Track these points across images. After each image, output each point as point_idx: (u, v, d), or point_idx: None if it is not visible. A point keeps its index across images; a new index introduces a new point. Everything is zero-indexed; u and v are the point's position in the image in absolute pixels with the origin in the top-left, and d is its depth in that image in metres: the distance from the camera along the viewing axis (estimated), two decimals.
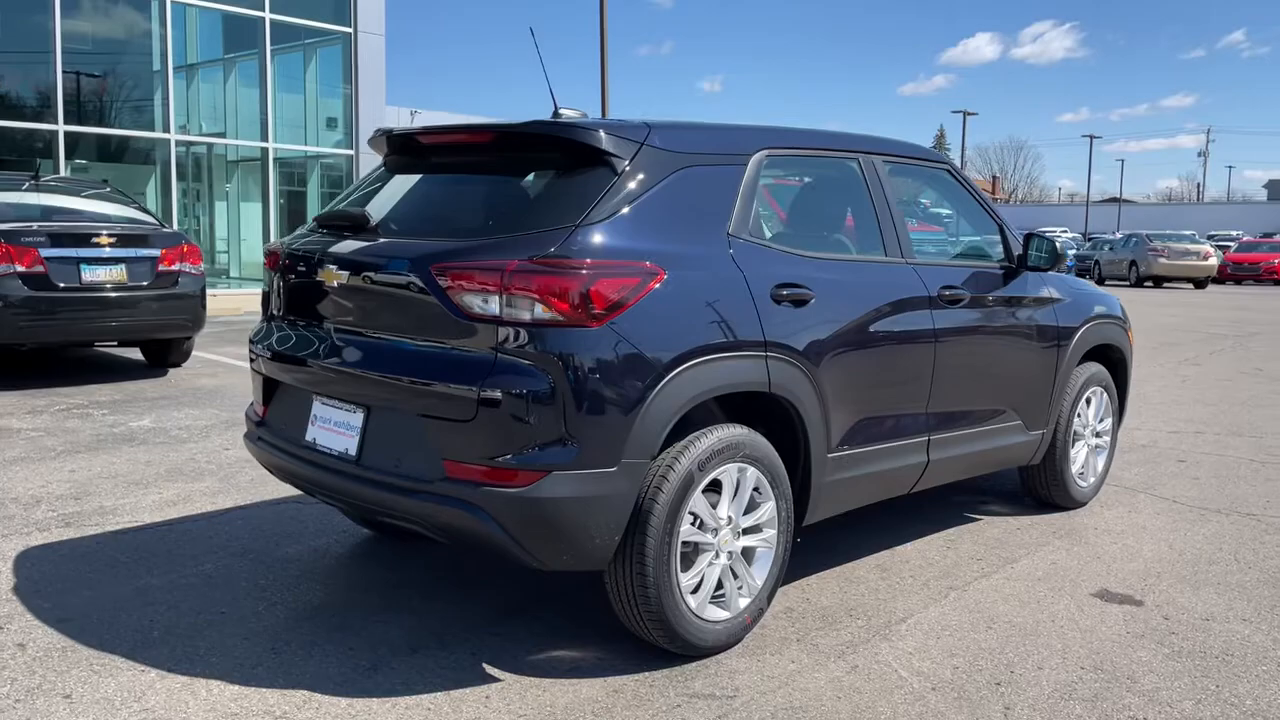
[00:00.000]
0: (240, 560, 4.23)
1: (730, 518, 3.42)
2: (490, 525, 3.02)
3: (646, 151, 3.37)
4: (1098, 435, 5.45)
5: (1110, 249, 31.93)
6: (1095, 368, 5.30)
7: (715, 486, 3.36)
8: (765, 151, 3.74)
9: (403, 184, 3.81)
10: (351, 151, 19.18)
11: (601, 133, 3.31)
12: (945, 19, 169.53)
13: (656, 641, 3.33)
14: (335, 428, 3.45)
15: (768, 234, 3.70)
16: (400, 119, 34.71)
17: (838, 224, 4.22)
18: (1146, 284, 29.67)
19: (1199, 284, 29.22)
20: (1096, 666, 3.43)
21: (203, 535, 4.56)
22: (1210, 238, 41.31)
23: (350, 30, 18.82)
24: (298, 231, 3.90)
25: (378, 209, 3.64)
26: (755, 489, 3.48)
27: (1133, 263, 29.72)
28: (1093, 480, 5.46)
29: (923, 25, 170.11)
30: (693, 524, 3.30)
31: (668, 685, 3.22)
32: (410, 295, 3.22)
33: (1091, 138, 74.96)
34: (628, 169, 3.30)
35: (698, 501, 3.29)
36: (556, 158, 3.38)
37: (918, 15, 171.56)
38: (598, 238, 3.15)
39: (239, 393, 8.18)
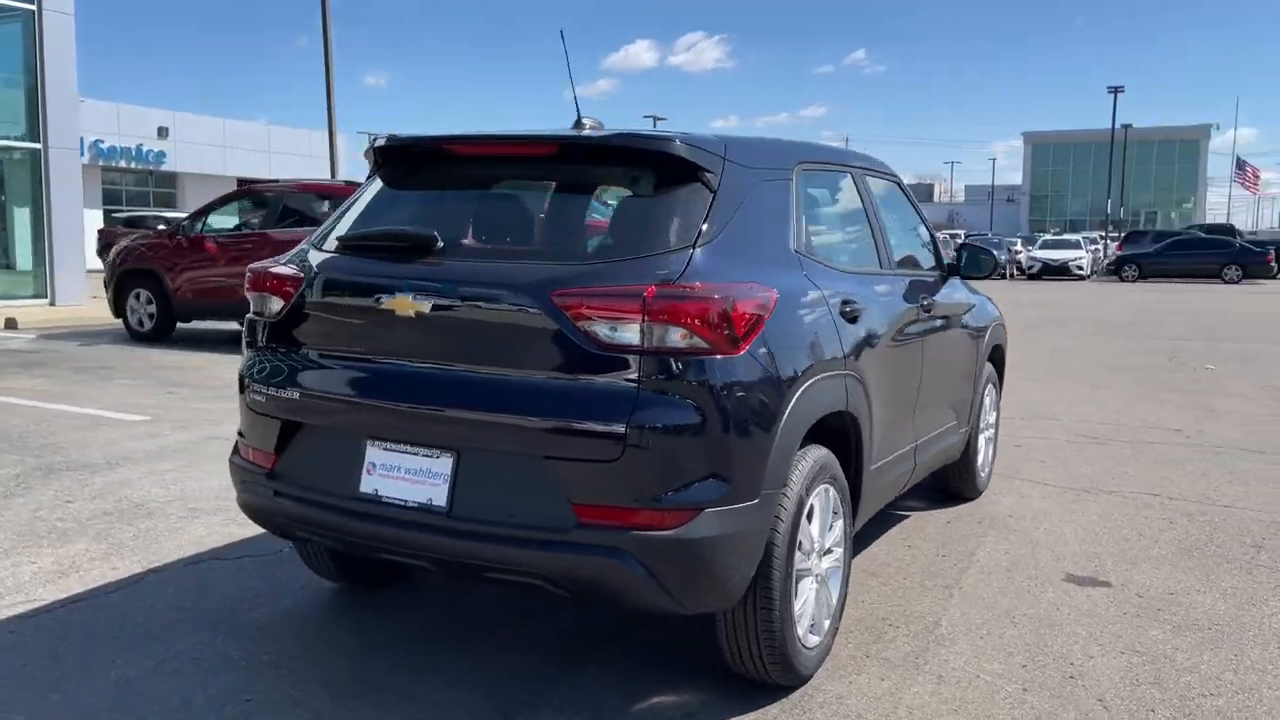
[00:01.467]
0: (215, 635, 3.62)
1: (818, 540, 3.36)
2: (638, 572, 2.77)
3: (729, 167, 3.23)
4: (989, 428, 5.87)
5: None
6: (990, 366, 5.70)
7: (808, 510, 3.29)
8: (800, 165, 3.70)
9: (433, 200, 3.46)
10: (38, 144, 16.89)
11: (693, 147, 3.13)
12: (607, 26, 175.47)
13: (767, 677, 3.20)
14: (410, 476, 3.03)
15: (814, 249, 3.65)
16: None
17: (853, 237, 4.25)
18: None
19: None
20: (1132, 649, 3.69)
21: (139, 609, 3.85)
22: None
23: (33, 7, 16.55)
24: (307, 251, 3.39)
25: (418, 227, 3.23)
26: (833, 510, 3.44)
27: None
28: (988, 470, 5.88)
29: (586, 31, 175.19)
30: (800, 550, 3.22)
31: None
32: (524, 325, 2.90)
33: None
34: (720, 186, 3.15)
35: (804, 527, 3.21)
36: (643, 173, 3.16)
37: (581, 21, 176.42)
38: (716, 259, 2.98)
39: (12, 433, 6.98)
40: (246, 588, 4.10)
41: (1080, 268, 36.32)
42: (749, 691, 3.26)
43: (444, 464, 2.98)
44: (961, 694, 3.31)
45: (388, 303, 3.06)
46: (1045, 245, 39.43)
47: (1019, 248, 42.08)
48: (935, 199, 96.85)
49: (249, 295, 3.45)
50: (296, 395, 3.22)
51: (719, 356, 2.84)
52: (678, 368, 2.79)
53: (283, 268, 3.37)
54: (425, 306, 3.00)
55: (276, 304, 3.34)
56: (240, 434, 3.47)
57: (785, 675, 3.20)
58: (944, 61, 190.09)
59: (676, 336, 2.79)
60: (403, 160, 3.51)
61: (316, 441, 3.24)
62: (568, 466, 2.82)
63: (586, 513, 2.80)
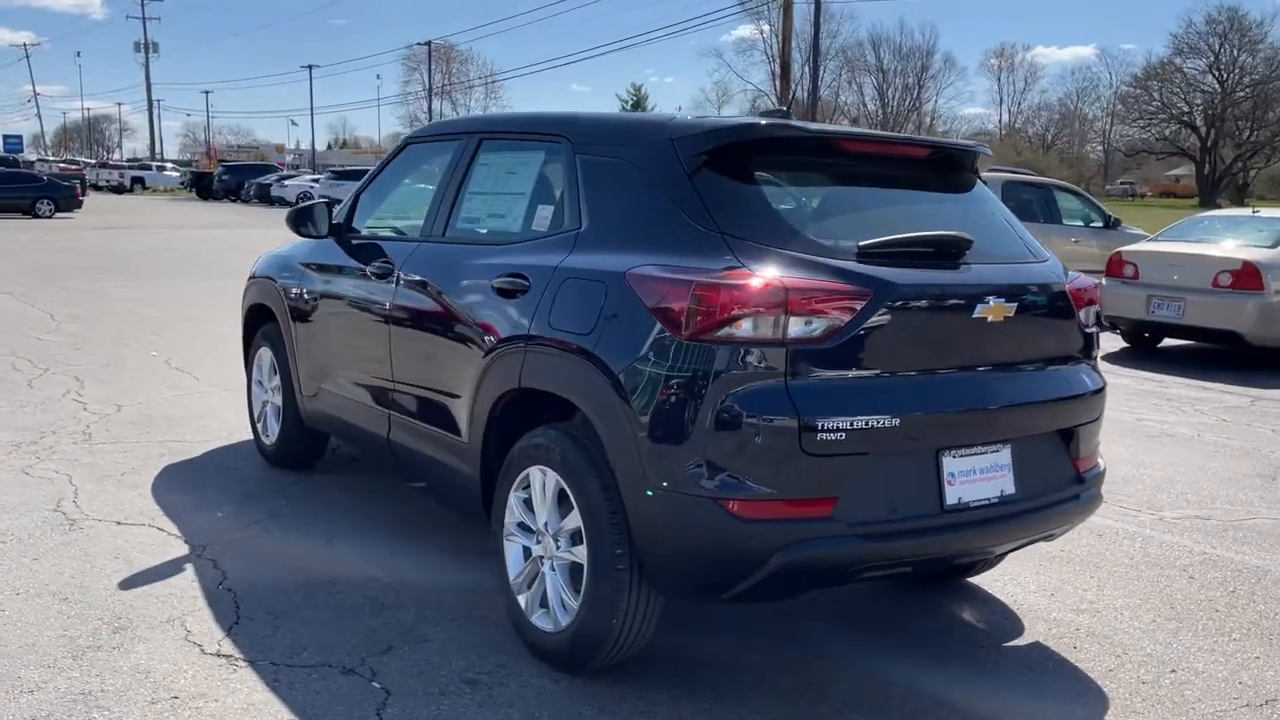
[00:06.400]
0: None
1: None
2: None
3: None
4: None
5: None
6: None
7: None
8: None
9: (848, 198, 3.45)
10: None
11: None
12: None
13: None
14: (983, 475, 3.12)
15: None
16: None
17: None
18: None
19: None
20: None
21: None
22: None
23: None
24: (797, 261, 2.92)
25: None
26: None
27: None
28: None
29: None
30: None
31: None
32: (1054, 317, 3.37)
33: None
34: None
35: None
36: (974, 175, 3.66)
37: None
38: None
39: None
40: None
41: None
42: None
43: (1004, 455, 3.20)
44: None
45: (982, 310, 3.05)
46: None
47: None
48: None
49: (754, 316, 2.76)
50: (873, 425, 2.87)
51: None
52: (1092, 338, 3.62)
53: (828, 283, 2.84)
54: (1011, 311, 3.13)
55: (823, 326, 2.82)
56: (747, 485, 2.79)
57: None
58: None
59: (1092, 316, 3.60)
60: (776, 151, 3.20)
61: (879, 469, 2.93)
62: (1077, 432, 3.43)
63: (1079, 464, 3.48)
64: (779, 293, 2.80)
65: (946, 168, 3.58)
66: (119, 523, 4.47)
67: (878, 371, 2.96)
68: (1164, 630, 3.83)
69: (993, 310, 3.12)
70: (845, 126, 4.11)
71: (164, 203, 45.53)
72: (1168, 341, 10.99)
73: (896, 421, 2.92)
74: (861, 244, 3.01)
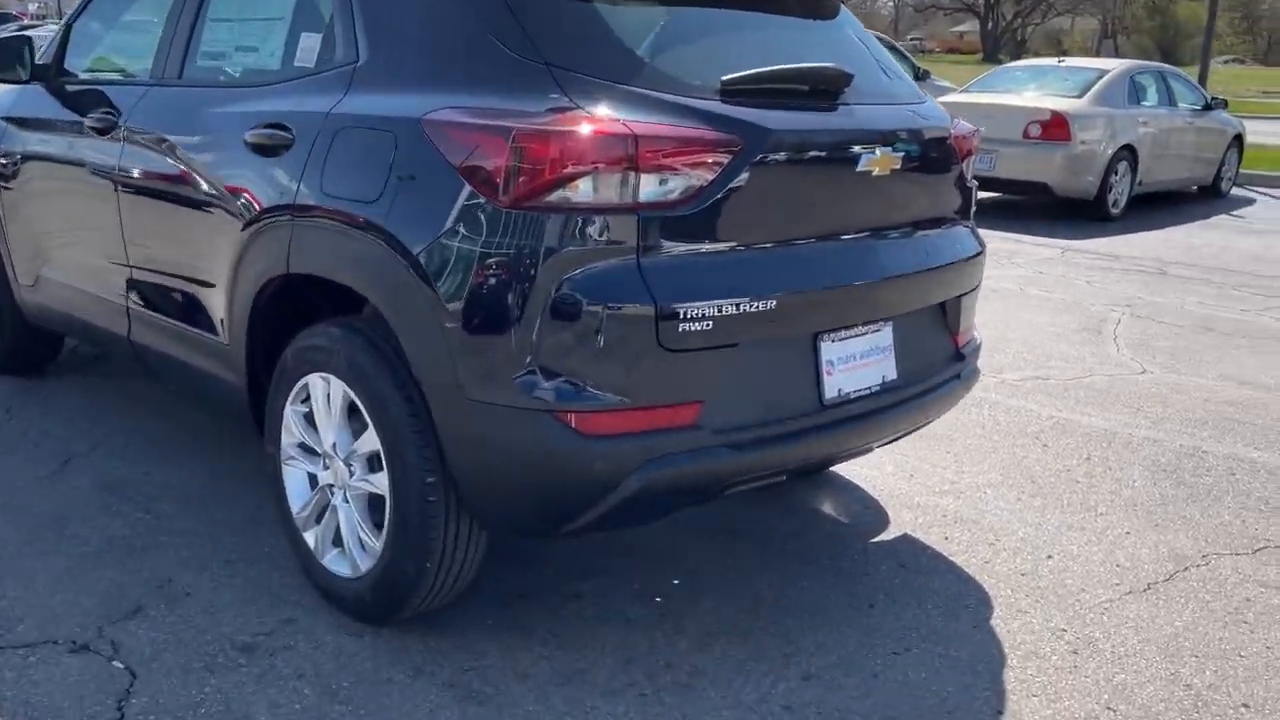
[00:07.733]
0: None
1: None
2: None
3: None
4: None
5: None
6: None
7: None
8: None
9: (686, 21, 2.66)
10: None
11: None
12: None
13: None
14: (864, 360, 2.63)
15: None
16: None
17: None
18: None
19: None
20: None
21: None
22: None
23: None
24: (651, 100, 2.25)
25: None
26: None
27: None
28: None
29: None
30: None
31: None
32: (943, 171, 2.84)
33: None
34: None
35: None
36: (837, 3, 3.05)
37: None
38: None
39: None
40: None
41: None
42: None
43: (885, 335, 2.72)
44: None
45: (868, 162, 2.49)
46: None
47: None
48: None
49: (595, 173, 2.11)
50: (745, 309, 2.30)
51: None
52: (971, 196, 3.14)
53: (687, 129, 2.20)
54: (898, 162, 2.59)
55: (683, 185, 2.20)
56: (591, 392, 2.19)
57: None
58: None
59: (971, 168, 3.11)
60: None
61: (750, 363, 2.37)
62: (957, 304, 2.98)
63: (959, 339, 3.05)
64: (627, 141, 2.14)
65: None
66: None
67: (748, 242, 2.37)
68: (1030, 509, 3.54)
69: (879, 162, 2.55)
70: None
71: None
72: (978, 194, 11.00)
73: (772, 303, 2.35)
74: (724, 79, 2.37)
